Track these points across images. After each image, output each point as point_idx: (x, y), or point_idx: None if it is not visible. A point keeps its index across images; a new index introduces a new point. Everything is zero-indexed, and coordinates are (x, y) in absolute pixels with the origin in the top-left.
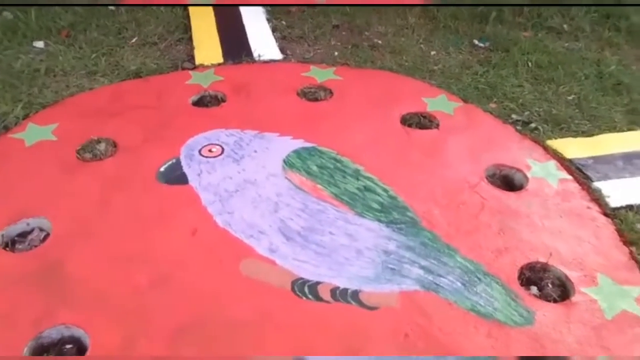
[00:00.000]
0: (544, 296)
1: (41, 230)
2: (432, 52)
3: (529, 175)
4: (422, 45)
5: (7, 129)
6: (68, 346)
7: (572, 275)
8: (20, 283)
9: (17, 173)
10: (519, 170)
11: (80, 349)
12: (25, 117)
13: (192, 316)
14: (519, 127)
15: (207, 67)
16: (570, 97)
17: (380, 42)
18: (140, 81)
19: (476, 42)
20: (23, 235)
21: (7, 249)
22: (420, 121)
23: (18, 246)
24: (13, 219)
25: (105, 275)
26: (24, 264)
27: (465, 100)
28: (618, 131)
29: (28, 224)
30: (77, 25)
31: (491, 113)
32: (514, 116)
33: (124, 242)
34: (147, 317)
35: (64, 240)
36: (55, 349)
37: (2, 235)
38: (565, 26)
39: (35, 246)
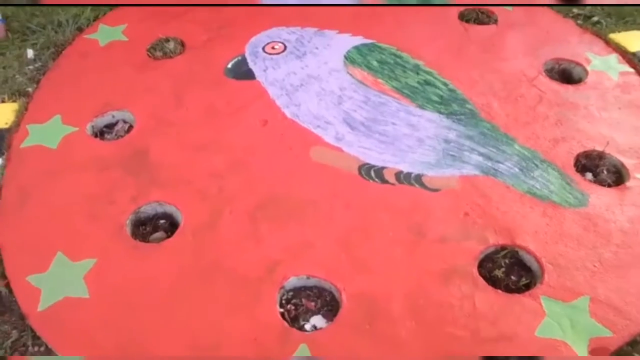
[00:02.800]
0: (598, 181)
1: (125, 122)
2: None
3: (588, 68)
4: None
5: (80, 30)
6: (162, 221)
7: (628, 162)
8: (114, 167)
9: (97, 70)
10: (578, 64)
11: (173, 223)
12: (95, 18)
13: (268, 195)
14: (580, 22)
15: None
16: None
17: None
18: None
19: None
20: (109, 126)
21: (97, 138)
22: (478, 17)
23: (107, 136)
24: (100, 112)
25: (187, 160)
26: (115, 151)
27: None
28: None
29: (113, 116)
30: None
31: (551, 7)
32: (575, 10)
33: (200, 132)
34: (228, 196)
35: (147, 131)
36: (151, 223)
37: (93, 127)
38: None
39: (121, 136)
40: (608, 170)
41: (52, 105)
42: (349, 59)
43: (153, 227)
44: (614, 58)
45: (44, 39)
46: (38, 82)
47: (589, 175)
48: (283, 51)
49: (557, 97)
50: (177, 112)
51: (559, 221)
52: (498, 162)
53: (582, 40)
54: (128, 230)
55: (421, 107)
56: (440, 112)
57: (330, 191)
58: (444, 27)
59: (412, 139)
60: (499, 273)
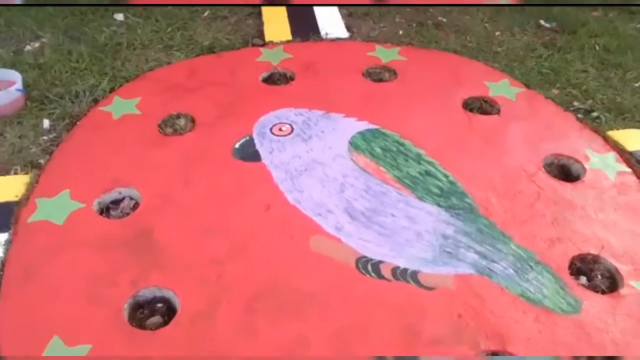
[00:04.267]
0: (592, 287)
1: (131, 199)
2: (497, 33)
3: (586, 166)
4: (486, 25)
5: (96, 101)
6: (159, 305)
7: (622, 268)
8: (117, 247)
9: (108, 144)
10: (577, 160)
11: (170, 307)
12: (111, 90)
13: (266, 285)
14: (580, 115)
15: (276, 44)
16: (637, 85)
17: (445, 20)
18: (214, 57)
19: (542, 22)
20: (115, 202)
21: (103, 214)
22: (482, 106)
23: (112, 212)
24: (107, 188)
25: (189, 244)
26: (119, 230)
27: (527, 86)
28: None
29: (120, 193)
30: None
31: (553, 100)
32: (576, 104)
33: (205, 214)
34: (226, 284)
35: (152, 210)
36: (149, 307)
37: (99, 203)
38: None
39: (127, 214)
40: (602, 275)
41: (62, 179)
42: (353, 144)
43: (150, 310)
44: (612, 157)
45: (60, 109)
46: (51, 153)
47: (583, 280)
48: (290, 133)
49: (555, 195)
50: (183, 192)
51: (551, 329)
52: (493, 261)
53: (581, 135)
54: (125, 314)
55: (421, 198)
56: (439, 205)
57: (328, 284)
58: (448, 115)
59: (410, 232)
60: None
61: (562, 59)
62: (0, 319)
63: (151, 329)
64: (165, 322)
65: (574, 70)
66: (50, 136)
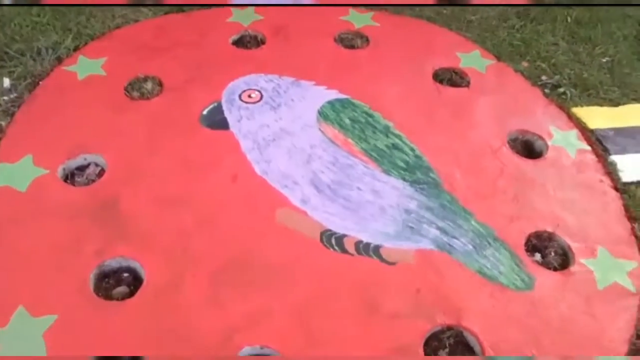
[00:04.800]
0: (546, 264)
1: (97, 165)
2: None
3: (549, 143)
4: None
5: (59, 60)
6: (125, 274)
7: (575, 246)
8: (82, 216)
9: (73, 107)
10: (540, 137)
11: (136, 277)
12: (76, 48)
13: (231, 258)
14: (547, 91)
15: (248, 4)
16: (604, 60)
17: None
18: (183, 15)
19: None
20: (81, 168)
21: (68, 181)
22: (452, 77)
23: (77, 179)
24: (72, 154)
25: (155, 214)
26: (84, 199)
27: (498, 58)
28: None
29: (85, 159)
30: None
31: (522, 73)
32: (544, 78)
33: (171, 184)
34: (192, 256)
35: (118, 178)
36: (114, 276)
37: (64, 169)
38: None
39: (93, 180)
40: (556, 253)
41: (24, 143)
42: (322, 114)
43: (116, 280)
44: (573, 134)
45: (22, 68)
46: (12, 115)
47: (538, 256)
48: (259, 100)
49: (517, 172)
50: (149, 160)
51: (504, 304)
52: (454, 237)
53: (546, 111)
54: (91, 284)
55: (387, 172)
56: (404, 179)
57: (292, 257)
58: (418, 86)
59: (374, 207)
60: (443, 353)
61: (533, 30)
62: None
63: (117, 299)
64: (132, 292)
65: (544, 42)
66: (11, 96)
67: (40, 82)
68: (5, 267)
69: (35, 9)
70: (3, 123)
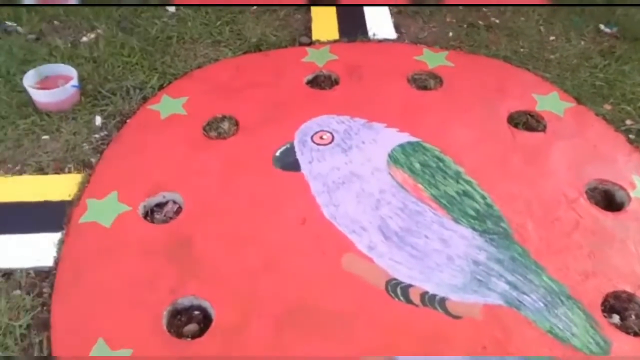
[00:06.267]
0: (624, 327)
1: (174, 203)
2: (551, 37)
3: (632, 194)
4: (541, 27)
5: (145, 99)
6: (196, 312)
7: None
8: (158, 253)
9: (155, 146)
10: (622, 187)
11: (206, 316)
12: (160, 87)
13: (296, 302)
14: (631, 136)
15: (323, 43)
16: None
17: (497, 21)
18: (260, 55)
19: (602, 27)
20: (160, 205)
21: (147, 218)
22: (528, 121)
23: (156, 216)
24: (152, 191)
25: (226, 254)
26: (161, 236)
27: (578, 100)
28: None
29: (164, 197)
30: None
31: (604, 117)
32: (628, 122)
33: (243, 224)
34: (259, 298)
35: (193, 217)
36: (186, 314)
37: (144, 206)
38: None
39: (170, 218)
40: (636, 316)
41: (110, 180)
42: (392, 158)
43: (188, 318)
44: None
45: (112, 107)
46: (102, 152)
47: (616, 318)
48: (330, 142)
49: (595, 225)
50: (223, 199)
51: None
52: (524, 293)
53: (630, 159)
54: (164, 321)
55: (456, 220)
56: (474, 229)
57: (356, 306)
58: (492, 129)
59: (442, 256)
60: None
61: (618, 70)
62: (54, 320)
63: (187, 337)
64: (201, 330)
65: (630, 83)
66: (102, 134)
67: (127, 121)
68: (89, 300)
69: (126, 49)
70: (93, 160)
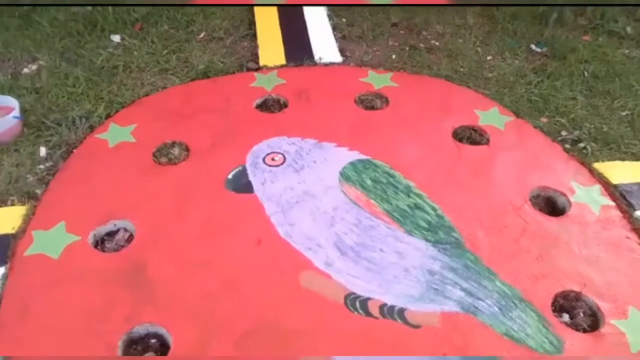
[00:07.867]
0: (574, 325)
1: (126, 230)
2: (489, 57)
3: (572, 199)
4: (478, 48)
5: (92, 128)
6: (153, 340)
7: (604, 306)
8: (112, 282)
9: (104, 174)
10: (562, 194)
11: (163, 344)
12: (107, 116)
13: (256, 322)
14: (567, 146)
15: (270, 68)
16: (623, 113)
17: (437, 43)
18: (209, 82)
19: (533, 47)
20: (110, 234)
21: (98, 247)
22: (471, 135)
23: (107, 245)
24: (103, 220)
25: (182, 279)
26: (114, 264)
27: (517, 114)
28: None
29: (115, 225)
30: (149, 18)
31: (541, 129)
32: (563, 133)
33: (198, 248)
34: (217, 320)
35: (146, 243)
36: (142, 342)
37: (94, 235)
38: (628, 29)
39: (122, 246)
40: (584, 313)
41: (57, 210)
42: (344, 175)
43: (144, 347)
44: (596, 189)
45: (57, 137)
46: (47, 183)
47: (566, 317)
48: (282, 163)
49: (540, 229)
50: (176, 224)
51: None
52: (479, 299)
53: (567, 167)
54: (119, 351)
55: (409, 232)
56: (426, 240)
57: (316, 321)
58: (438, 144)
59: (398, 268)
60: None
61: (551, 85)
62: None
63: None
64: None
65: (562, 97)
66: (47, 164)
67: (74, 151)
68: (38, 335)
69: (71, 80)
70: (39, 191)
